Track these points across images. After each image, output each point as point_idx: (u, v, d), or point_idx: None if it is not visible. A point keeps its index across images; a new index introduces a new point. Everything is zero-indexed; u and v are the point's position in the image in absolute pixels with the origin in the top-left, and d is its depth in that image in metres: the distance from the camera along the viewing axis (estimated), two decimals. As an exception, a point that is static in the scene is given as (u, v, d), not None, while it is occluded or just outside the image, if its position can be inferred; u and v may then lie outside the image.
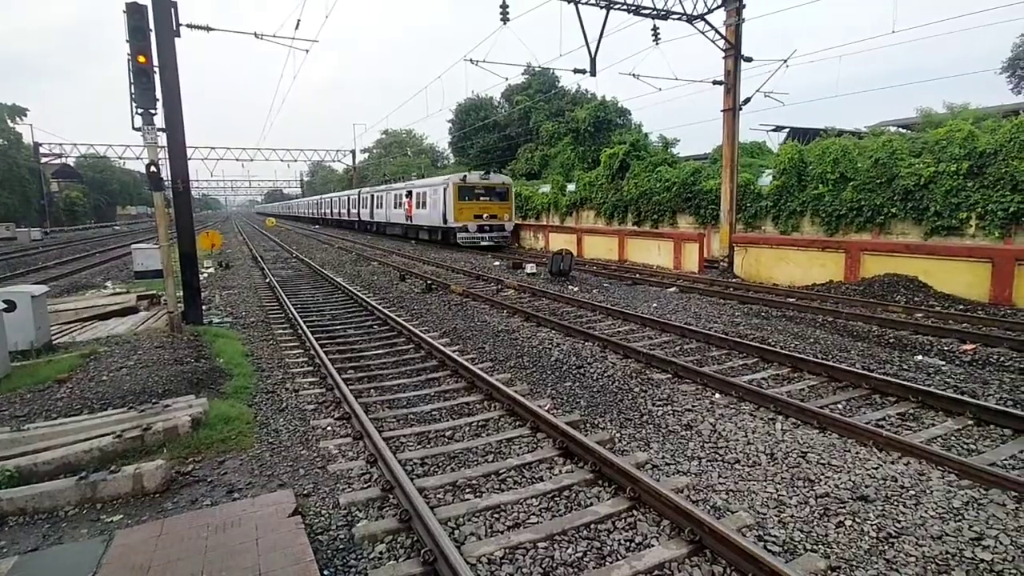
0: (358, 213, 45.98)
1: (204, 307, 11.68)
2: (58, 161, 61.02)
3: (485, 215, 27.78)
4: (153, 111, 9.32)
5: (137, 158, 55.94)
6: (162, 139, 9.95)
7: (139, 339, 9.44)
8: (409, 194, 33.51)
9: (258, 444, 5.64)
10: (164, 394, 6.72)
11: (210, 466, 5.14)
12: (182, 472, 4.99)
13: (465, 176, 28.28)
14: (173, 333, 9.67)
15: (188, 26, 13.51)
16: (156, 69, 9.50)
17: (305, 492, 4.67)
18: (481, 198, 27.82)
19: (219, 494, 4.64)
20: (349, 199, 50.22)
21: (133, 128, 9.33)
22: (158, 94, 9.45)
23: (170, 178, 10.45)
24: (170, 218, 10.72)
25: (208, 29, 14.36)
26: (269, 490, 4.67)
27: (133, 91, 9.16)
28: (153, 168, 9.39)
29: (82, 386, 7.08)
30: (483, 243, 27.76)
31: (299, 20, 15.38)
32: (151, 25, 9.47)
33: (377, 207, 40.27)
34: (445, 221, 27.98)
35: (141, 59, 9.11)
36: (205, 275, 18.25)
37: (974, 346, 9.08)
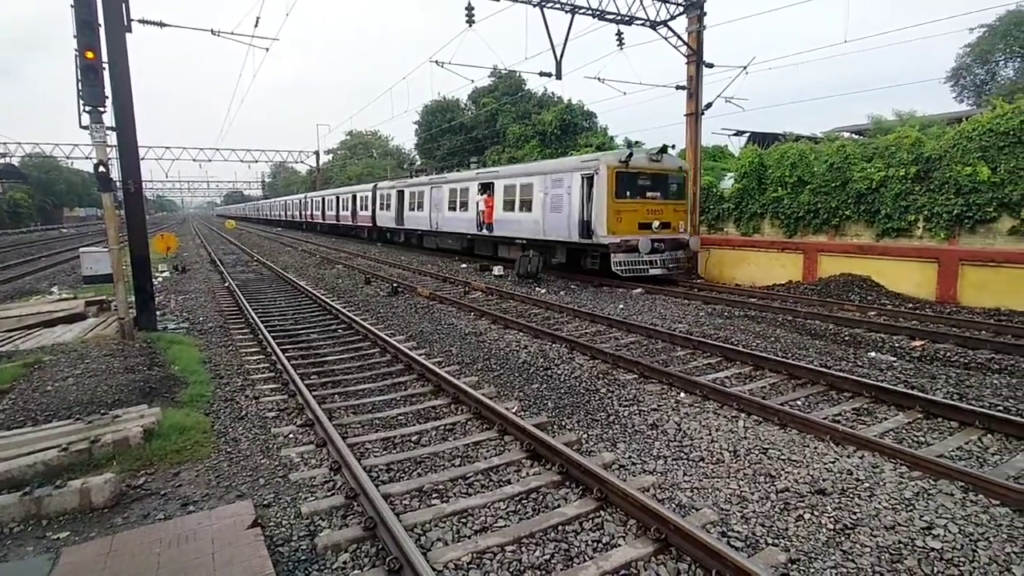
0: (372, 217, 33.70)
1: (158, 313, 11.29)
2: (1, 161, 58.27)
3: (655, 223, 16.27)
4: (102, 109, 8.96)
5: (86, 158, 53.39)
6: (112, 138, 9.59)
7: (87, 347, 9.04)
8: (486, 188, 21.21)
9: (215, 454, 5.45)
10: (114, 404, 6.43)
11: (163, 478, 4.94)
12: (133, 485, 4.77)
13: (630, 155, 15.94)
14: (124, 340, 9.31)
15: (140, 21, 13.06)
16: (105, 65, 9.14)
17: (265, 502, 4.53)
18: (648, 194, 16.42)
19: (173, 507, 4.46)
20: (356, 198, 37.06)
21: (80, 126, 8.96)
22: (107, 91, 9.09)
23: (121, 178, 10.06)
24: (121, 220, 10.32)
25: (161, 25, 13.91)
26: (227, 502, 4.51)
27: (80, 88, 8.80)
28: (102, 168, 9.03)
29: (25, 397, 6.73)
30: (653, 270, 16.13)
31: (258, 17, 15.05)
32: (100, 19, 9.12)
33: (411, 208, 28.04)
34: (587, 233, 16.12)
35: (89, 55, 8.75)
36: (159, 279, 17.65)
37: (923, 343, 9.44)
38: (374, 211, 33.43)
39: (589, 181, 16.08)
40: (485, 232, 21.24)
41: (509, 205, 19.67)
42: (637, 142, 28.99)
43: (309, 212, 50.92)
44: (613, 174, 15.70)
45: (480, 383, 7.60)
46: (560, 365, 8.29)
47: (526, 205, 18.72)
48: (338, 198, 41.74)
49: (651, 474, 4.94)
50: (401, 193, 29.43)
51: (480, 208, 21.24)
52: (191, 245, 36.52)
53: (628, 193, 16.00)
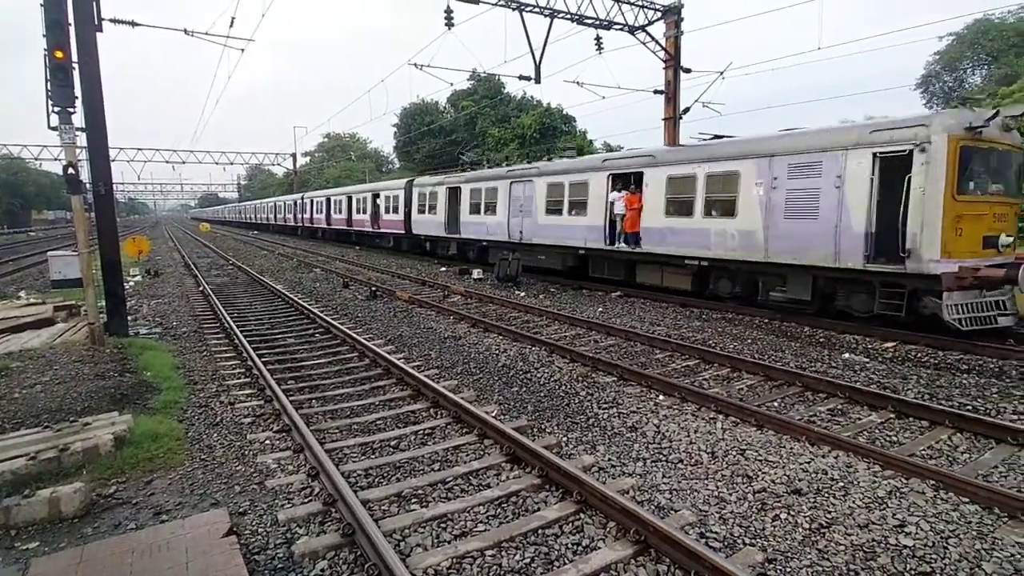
0: (404, 222, 26.66)
1: (130, 318, 11.06)
2: (-34, 162, 56.64)
3: (1003, 238, 9.85)
4: (71, 109, 8.77)
5: (55, 159, 51.85)
6: (82, 139, 9.38)
7: (56, 353, 8.81)
8: (628, 181, 14.90)
9: (189, 461, 5.35)
10: (84, 411, 6.28)
11: (135, 487, 4.83)
12: (104, 495, 4.66)
13: (995, 114, 9.54)
14: (94, 346, 9.08)
15: (111, 20, 12.81)
16: (75, 65, 8.95)
17: (241, 510, 4.45)
18: (992, 187, 9.91)
19: (145, 516, 4.36)
20: (380, 199, 29.68)
21: (49, 127, 8.78)
22: (77, 91, 8.90)
23: (91, 180, 9.85)
24: (91, 223, 10.09)
25: (133, 24, 13.67)
26: (201, 510, 4.43)
27: (50, 88, 8.61)
28: (71, 170, 8.83)
29: (-9, 405, 6.54)
30: (1003, 319, 9.74)
31: (233, 18, 14.84)
32: (70, 19, 8.93)
33: (474, 211, 21.08)
34: (887, 254, 9.82)
35: (59, 54, 8.56)
36: (131, 284, 17.30)
37: (894, 344, 9.64)
38: (408, 215, 26.25)
39: (893, 163, 9.64)
40: (623, 246, 14.74)
41: (680, 207, 13.11)
42: (619, 146, 28.80)
43: (307, 215, 43.96)
44: (957, 151, 9.17)
45: (459, 387, 7.58)
46: (539, 368, 8.30)
47: (722, 207, 12.20)
48: (351, 198, 34.20)
49: (630, 476, 4.96)
50: (455, 191, 22.20)
51: (617, 211, 14.71)
52: (164, 249, 35.83)
53: (971, 186, 9.61)
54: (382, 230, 29.80)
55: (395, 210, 27.79)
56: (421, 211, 25.21)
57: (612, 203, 14.86)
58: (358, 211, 33.08)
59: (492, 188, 20.05)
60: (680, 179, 13.23)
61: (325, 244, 37.98)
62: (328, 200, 38.83)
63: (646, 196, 14.04)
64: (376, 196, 30.28)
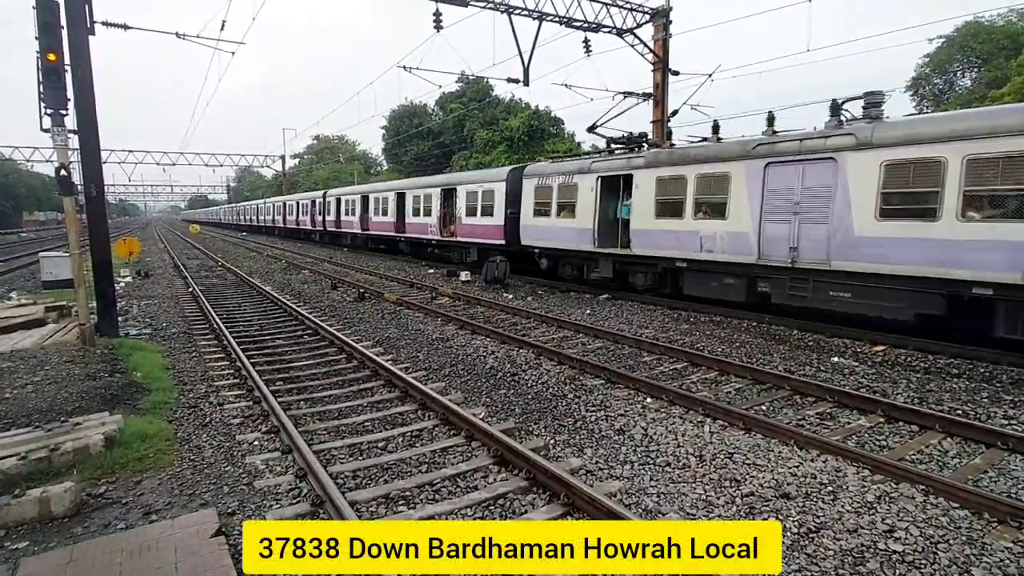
0: (505, 228, 18.80)
1: (120, 318, 11.02)
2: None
3: None
4: (64, 112, 8.79)
5: (47, 161, 51.35)
6: (74, 141, 9.38)
7: (47, 353, 8.78)
8: None
9: (178, 462, 5.35)
10: (74, 412, 6.28)
11: (125, 487, 4.83)
12: (94, 494, 4.66)
13: None
14: (85, 346, 9.06)
15: (103, 23, 12.75)
16: (68, 68, 8.95)
17: (229, 511, 4.46)
18: None
19: (135, 516, 4.37)
20: (465, 196, 20.89)
21: (41, 129, 8.79)
22: (70, 94, 8.91)
23: (83, 182, 9.83)
24: (83, 224, 10.07)
25: (125, 27, 13.61)
26: (190, 510, 4.43)
27: (42, 90, 8.62)
28: (64, 172, 8.83)
29: (-20, 405, 6.51)
30: None
31: (224, 21, 14.84)
32: (63, 21, 8.94)
33: (672, 213, 12.89)
34: None
35: (51, 57, 8.59)
36: (122, 285, 17.20)
37: (884, 348, 9.70)
38: (512, 218, 18.44)
39: None
40: None
41: None
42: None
43: (332, 218, 35.67)
44: None
45: (447, 389, 7.59)
46: (527, 371, 8.32)
47: None
48: (402, 196, 26.04)
49: (618, 479, 4.99)
50: (620, 182, 14.57)
51: None
52: (154, 250, 35.65)
53: None
54: (459, 239, 21.44)
55: (486, 212, 19.73)
56: (541, 212, 17.09)
57: None
58: (415, 213, 24.77)
59: (715, 176, 12.16)
60: None
61: (313, 246, 37.82)
62: (365, 199, 30.30)
63: None
64: (450, 193, 22.04)
